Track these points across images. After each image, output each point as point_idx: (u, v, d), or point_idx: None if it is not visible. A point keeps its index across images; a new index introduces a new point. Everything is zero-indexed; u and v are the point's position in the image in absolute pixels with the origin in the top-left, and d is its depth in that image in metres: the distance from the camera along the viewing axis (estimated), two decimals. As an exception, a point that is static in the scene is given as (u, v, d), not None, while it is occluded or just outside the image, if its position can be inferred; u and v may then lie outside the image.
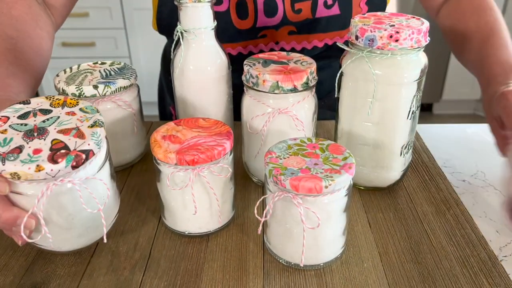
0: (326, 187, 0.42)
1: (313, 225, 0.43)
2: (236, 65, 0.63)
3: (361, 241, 0.51)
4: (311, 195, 0.42)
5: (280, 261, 0.48)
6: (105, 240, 0.47)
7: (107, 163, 0.47)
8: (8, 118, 0.45)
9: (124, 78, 0.59)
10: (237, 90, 0.61)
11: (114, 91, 0.58)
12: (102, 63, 0.65)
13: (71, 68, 0.62)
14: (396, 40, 0.49)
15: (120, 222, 0.55)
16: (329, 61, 0.77)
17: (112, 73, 0.61)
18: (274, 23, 0.71)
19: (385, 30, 0.49)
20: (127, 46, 2.60)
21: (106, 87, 0.57)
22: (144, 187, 0.61)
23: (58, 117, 0.45)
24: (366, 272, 0.47)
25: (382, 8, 0.75)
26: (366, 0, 0.73)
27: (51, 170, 0.40)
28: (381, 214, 0.55)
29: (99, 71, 0.62)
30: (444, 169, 0.65)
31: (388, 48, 0.49)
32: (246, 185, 0.61)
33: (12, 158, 0.40)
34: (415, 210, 0.55)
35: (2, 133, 0.43)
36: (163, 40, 0.84)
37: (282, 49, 0.74)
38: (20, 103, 0.47)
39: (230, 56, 0.65)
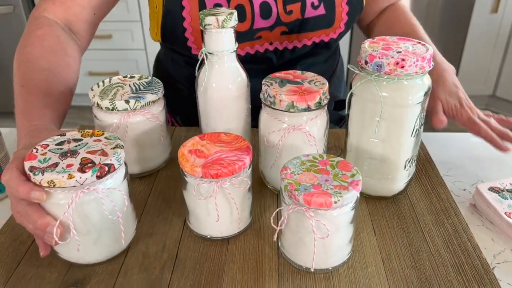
0: (335, 202, 0.47)
1: (323, 235, 0.49)
2: None
3: (366, 247, 0.56)
4: (321, 209, 0.48)
5: (293, 265, 0.54)
6: (123, 244, 0.54)
7: (126, 182, 0.54)
8: (48, 145, 0.53)
9: (152, 93, 0.65)
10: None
11: (143, 105, 0.64)
12: (131, 77, 0.70)
13: (103, 82, 0.68)
14: (402, 67, 0.54)
15: (149, 224, 0.61)
16: (313, 59, 0.86)
17: (141, 87, 0.67)
18: (269, 25, 0.77)
19: (392, 57, 0.54)
20: (143, 38, 2.66)
21: (136, 101, 0.63)
22: (170, 192, 0.67)
23: (87, 143, 0.53)
24: (370, 276, 0.52)
25: (360, 7, 0.83)
26: (346, 0, 0.80)
27: (80, 177, 0.47)
28: (385, 222, 0.60)
29: (129, 85, 0.67)
30: (446, 178, 0.70)
31: (395, 73, 0.54)
32: (262, 191, 0.67)
33: (50, 170, 0.48)
34: (417, 219, 0.61)
35: (42, 155, 0.51)
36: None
37: (276, 49, 0.80)
38: (57, 135, 0.55)
39: None
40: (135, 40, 2.65)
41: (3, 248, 0.57)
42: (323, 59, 0.89)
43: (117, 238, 0.54)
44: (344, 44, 2.62)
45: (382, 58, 0.54)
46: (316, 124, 0.60)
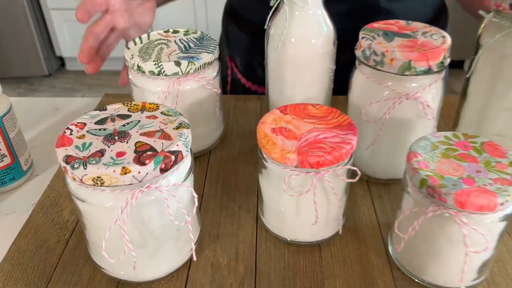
0: (502, 204, 0.33)
1: (478, 249, 0.35)
2: None
3: (504, 254, 0.43)
4: (478, 213, 0.34)
5: (417, 280, 0.40)
6: (194, 258, 0.40)
7: (192, 174, 0.41)
8: (85, 124, 0.39)
9: (208, 52, 0.50)
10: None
11: (198, 68, 0.49)
12: (175, 32, 0.55)
13: (140, 39, 0.53)
14: None
15: (212, 223, 0.47)
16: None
17: (191, 44, 0.52)
18: None
19: (558, -3, 0.39)
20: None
21: (190, 63, 0.48)
22: (229, 178, 0.53)
23: (139, 121, 0.39)
24: (521, 295, 0.39)
25: None
26: None
27: (138, 172, 0.33)
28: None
29: (175, 42, 0.52)
30: None
31: (559, 21, 0.39)
32: (348, 177, 0.53)
33: (94, 162, 0.34)
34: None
35: (80, 138, 0.37)
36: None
37: None
38: (96, 109, 0.41)
39: None
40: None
41: (26, 259, 0.43)
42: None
43: (180, 248, 0.40)
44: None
45: (542, 0, 0.39)
46: (431, 92, 0.45)
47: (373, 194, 0.51)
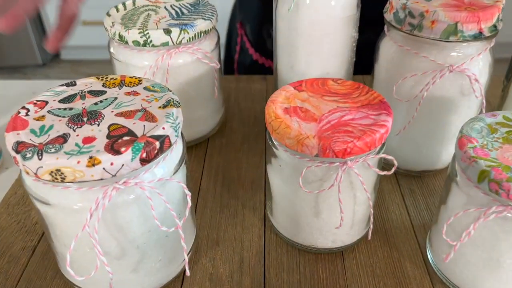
0: None
1: (558, 262, 0.27)
2: None
3: None
4: (559, 214, 0.26)
5: (468, 298, 0.32)
6: (187, 273, 0.32)
7: (185, 166, 0.32)
8: (47, 102, 0.30)
9: (204, 19, 0.41)
10: None
11: (192, 37, 0.40)
12: (166, -3, 0.46)
13: (124, 5, 0.44)
14: None
15: (212, 226, 0.39)
16: None
17: (184, 10, 0.43)
18: None
19: None
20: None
21: (182, 31, 0.39)
22: (230, 170, 0.45)
23: (115, 98, 0.31)
24: None
25: None
26: None
27: (111, 164, 0.25)
28: None
29: (165, 8, 0.44)
30: None
31: None
32: (371, 169, 0.44)
33: (53, 150, 0.26)
34: None
35: (38, 120, 0.29)
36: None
37: None
38: (62, 85, 0.32)
39: None
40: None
41: (-18, 271, 0.35)
42: None
43: (170, 259, 0.32)
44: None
45: None
46: (478, 64, 0.37)
47: (403, 189, 0.42)
